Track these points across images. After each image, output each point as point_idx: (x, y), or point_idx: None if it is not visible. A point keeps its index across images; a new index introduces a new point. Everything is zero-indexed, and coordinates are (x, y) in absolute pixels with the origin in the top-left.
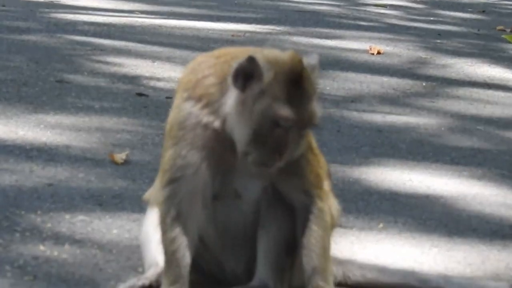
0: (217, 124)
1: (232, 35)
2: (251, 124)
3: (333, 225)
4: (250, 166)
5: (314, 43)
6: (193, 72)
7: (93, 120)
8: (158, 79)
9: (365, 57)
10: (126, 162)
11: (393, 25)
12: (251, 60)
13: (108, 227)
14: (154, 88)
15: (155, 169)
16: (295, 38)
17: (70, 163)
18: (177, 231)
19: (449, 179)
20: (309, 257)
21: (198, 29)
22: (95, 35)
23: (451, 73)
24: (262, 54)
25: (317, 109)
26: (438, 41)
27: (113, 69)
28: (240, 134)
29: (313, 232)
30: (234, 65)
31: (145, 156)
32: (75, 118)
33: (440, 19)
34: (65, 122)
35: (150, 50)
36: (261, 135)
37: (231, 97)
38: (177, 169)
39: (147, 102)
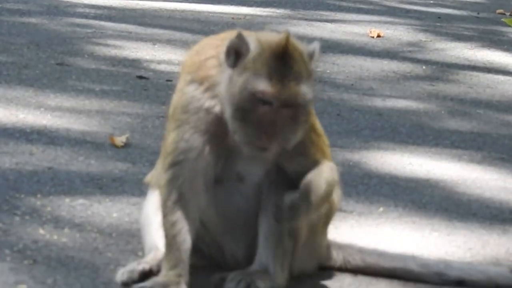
0: (217, 108)
1: (233, 18)
2: (234, 99)
3: (333, 211)
4: (243, 149)
5: (314, 26)
6: (197, 54)
7: (93, 103)
8: (159, 62)
9: (365, 40)
10: (126, 145)
11: (393, 8)
12: (239, 36)
13: (108, 210)
14: (155, 71)
15: (155, 152)
16: (295, 21)
17: (70, 146)
18: (178, 215)
19: (449, 163)
20: (311, 176)
21: (198, 12)
22: (95, 17)
23: (451, 57)
24: (255, 33)
25: (305, 89)
26: (438, 24)
27: (114, 51)
28: (227, 112)
29: (321, 168)
30: (226, 43)
31: (145, 139)
32: (75, 101)
33: (440, 2)
34: (65, 105)
35: (150, 33)
36: (244, 111)
37: (225, 77)
38: (179, 152)
39: (147, 84)
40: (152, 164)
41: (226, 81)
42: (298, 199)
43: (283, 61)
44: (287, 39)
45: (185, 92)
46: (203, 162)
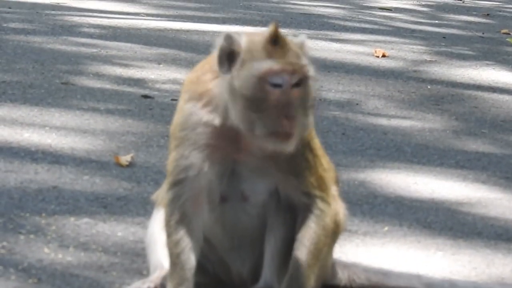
0: (217, 121)
1: None
2: (243, 94)
3: (339, 230)
4: (263, 145)
5: (319, 46)
6: (194, 71)
7: (98, 122)
8: (164, 81)
9: (370, 60)
10: (131, 164)
11: (398, 28)
12: (227, 37)
13: (113, 229)
14: (160, 90)
15: (160, 171)
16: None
17: (75, 165)
18: (181, 234)
19: (454, 182)
20: (299, 251)
21: (203, 32)
22: (100, 37)
23: (456, 76)
24: (233, 31)
25: (307, 63)
26: (443, 44)
27: (119, 71)
28: (239, 114)
29: (310, 229)
30: (215, 50)
31: (150, 158)
32: (80, 120)
33: (445, 22)
34: (70, 124)
35: (155, 53)
36: (257, 101)
37: (223, 84)
38: (180, 171)
39: (152, 104)
40: (157, 183)
41: (226, 86)
42: None
43: (278, 44)
44: (276, 25)
45: (184, 110)
46: (204, 180)
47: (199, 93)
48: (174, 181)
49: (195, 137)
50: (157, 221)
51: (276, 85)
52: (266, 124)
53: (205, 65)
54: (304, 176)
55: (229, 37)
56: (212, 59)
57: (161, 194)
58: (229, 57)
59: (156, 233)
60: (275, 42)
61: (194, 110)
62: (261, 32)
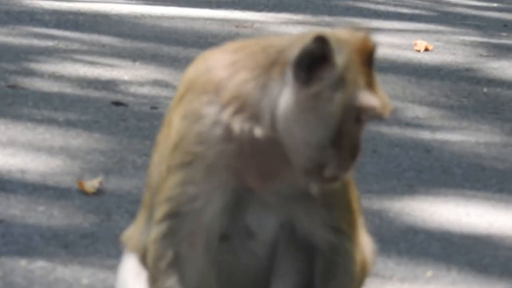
0: (259, 131)
1: (236, 26)
2: (330, 122)
3: (366, 272)
4: (317, 183)
5: None
6: (211, 70)
7: (56, 137)
8: (141, 84)
9: (409, 55)
10: (99, 191)
11: (446, 14)
12: (320, 40)
13: (77, 275)
14: (135, 96)
15: (137, 201)
16: (318, 30)
17: (26, 193)
18: (172, 281)
19: None
20: None
21: (192, 19)
22: (58, 26)
23: None
24: (327, 33)
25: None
26: (504, 34)
27: (82, 70)
28: (309, 140)
29: (337, 278)
30: (296, 51)
31: (124, 183)
32: (33, 135)
33: (507, 5)
34: (20, 139)
35: (129, 46)
36: (341, 134)
37: (286, 94)
38: (185, 200)
39: (126, 113)
40: (132, 216)
41: (300, 101)
42: None
43: (371, 67)
44: (373, 42)
45: (204, 116)
46: (211, 212)
47: (229, 97)
48: (173, 212)
49: (217, 153)
50: (129, 267)
51: (361, 121)
52: (338, 162)
53: (232, 64)
54: (336, 207)
55: (322, 40)
56: (238, 58)
57: (135, 235)
58: (313, 63)
59: (128, 281)
60: (371, 65)
61: (222, 117)
62: (351, 36)
